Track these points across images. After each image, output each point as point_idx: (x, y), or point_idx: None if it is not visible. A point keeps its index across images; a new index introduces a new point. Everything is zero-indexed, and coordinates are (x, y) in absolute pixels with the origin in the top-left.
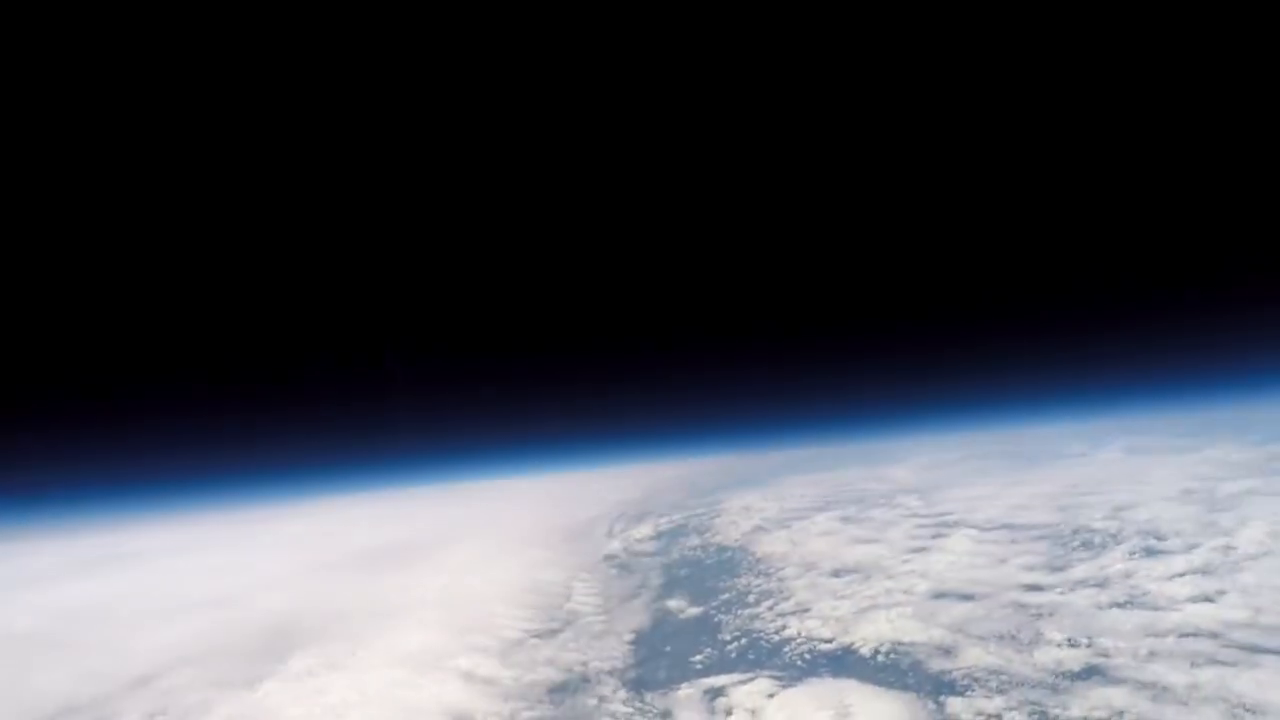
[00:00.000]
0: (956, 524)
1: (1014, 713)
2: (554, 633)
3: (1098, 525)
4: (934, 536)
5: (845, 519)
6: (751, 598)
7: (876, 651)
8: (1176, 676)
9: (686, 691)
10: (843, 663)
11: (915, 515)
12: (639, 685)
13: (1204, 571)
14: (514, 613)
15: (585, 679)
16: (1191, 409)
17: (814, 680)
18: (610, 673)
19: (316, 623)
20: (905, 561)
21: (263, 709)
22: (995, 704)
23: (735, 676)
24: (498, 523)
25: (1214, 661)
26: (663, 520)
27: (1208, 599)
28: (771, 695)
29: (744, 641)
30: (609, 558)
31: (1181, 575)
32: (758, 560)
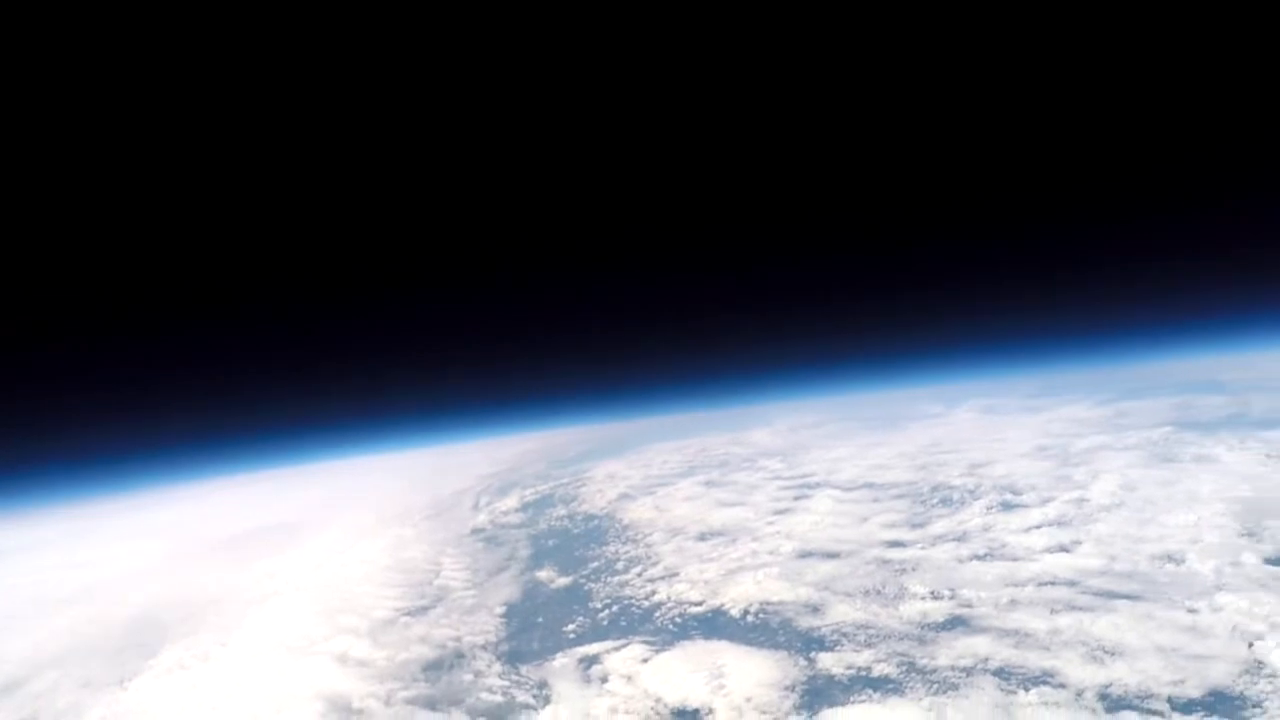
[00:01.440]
0: (819, 485)
1: (883, 664)
2: (425, 610)
3: (956, 482)
4: (797, 498)
5: (709, 483)
6: (620, 565)
7: (746, 612)
8: (1037, 623)
9: (561, 661)
10: (713, 624)
11: (778, 478)
12: (513, 658)
13: (1059, 523)
14: (384, 592)
15: (459, 654)
16: (1042, 371)
17: (686, 643)
18: (484, 647)
19: (186, 613)
20: (770, 523)
21: (136, 707)
22: (864, 657)
23: (608, 644)
24: (363, 502)
25: (1072, 608)
26: (528, 491)
27: (1064, 549)
28: (645, 660)
29: (615, 609)
30: (476, 531)
31: (1038, 527)
32: (625, 527)
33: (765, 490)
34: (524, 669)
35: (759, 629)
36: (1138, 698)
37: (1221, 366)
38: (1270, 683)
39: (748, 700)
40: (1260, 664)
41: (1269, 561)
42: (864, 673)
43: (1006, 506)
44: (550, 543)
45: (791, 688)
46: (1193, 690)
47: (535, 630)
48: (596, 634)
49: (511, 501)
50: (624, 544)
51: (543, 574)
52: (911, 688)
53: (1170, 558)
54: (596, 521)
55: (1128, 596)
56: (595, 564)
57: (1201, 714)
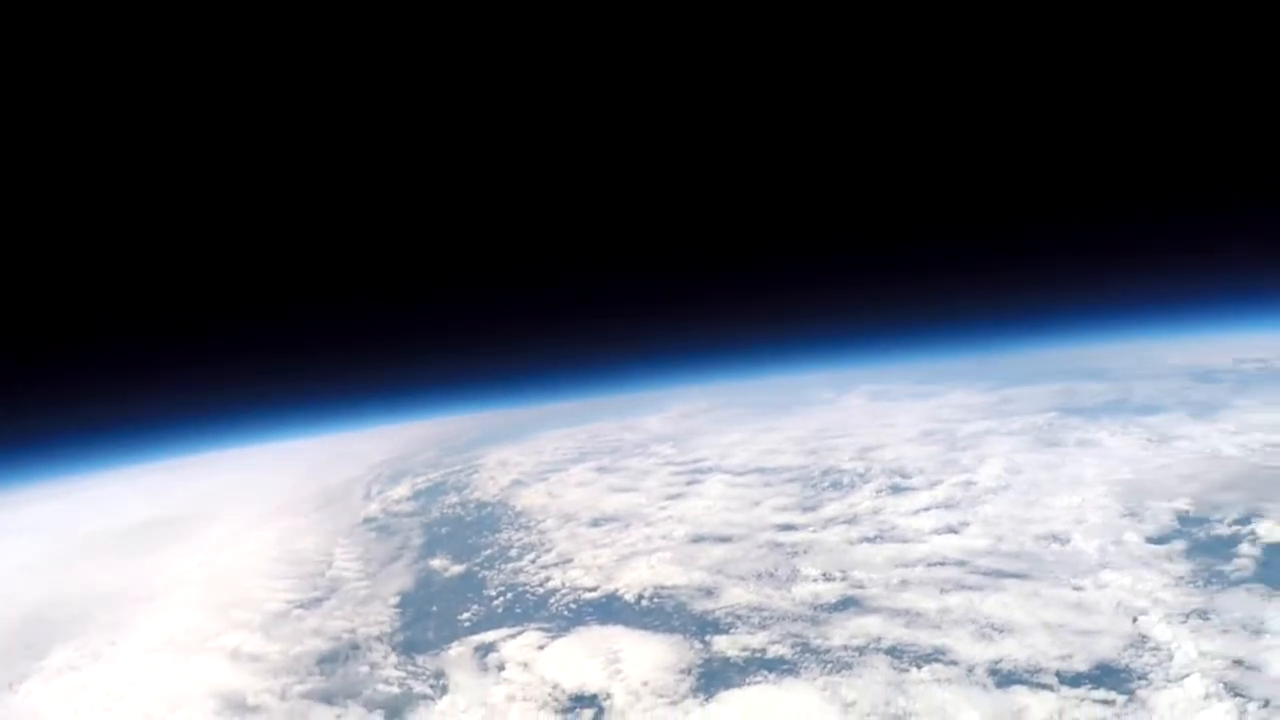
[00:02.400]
0: (710, 470)
1: (777, 646)
2: (318, 601)
3: (846, 466)
4: (689, 483)
5: (601, 469)
6: (514, 552)
7: (640, 597)
8: (928, 603)
9: (457, 650)
10: (608, 610)
11: (670, 463)
12: (409, 648)
13: (947, 505)
14: (276, 584)
15: (354, 646)
16: (930, 358)
17: (582, 629)
18: (379, 638)
19: (75, 612)
20: (663, 508)
21: (27, 710)
22: (759, 639)
23: (504, 631)
24: (253, 493)
25: (961, 587)
26: (420, 479)
27: (952, 530)
28: (542, 647)
29: (510, 596)
30: (368, 520)
31: (927, 510)
32: (518, 514)
33: (657, 476)
34: (420, 659)
35: (654, 613)
36: (1027, 672)
37: (1104, 355)
38: (1154, 655)
39: (645, 684)
40: (1144, 638)
41: (1150, 540)
42: (759, 654)
43: (896, 490)
44: (443, 531)
45: (688, 671)
46: (1080, 664)
47: (430, 619)
48: (492, 622)
49: (403, 490)
50: (517, 531)
51: (436, 562)
52: (806, 668)
53: (1055, 538)
54: (489, 508)
55: (1015, 575)
56: (489, 551)
57: (1089, 686)
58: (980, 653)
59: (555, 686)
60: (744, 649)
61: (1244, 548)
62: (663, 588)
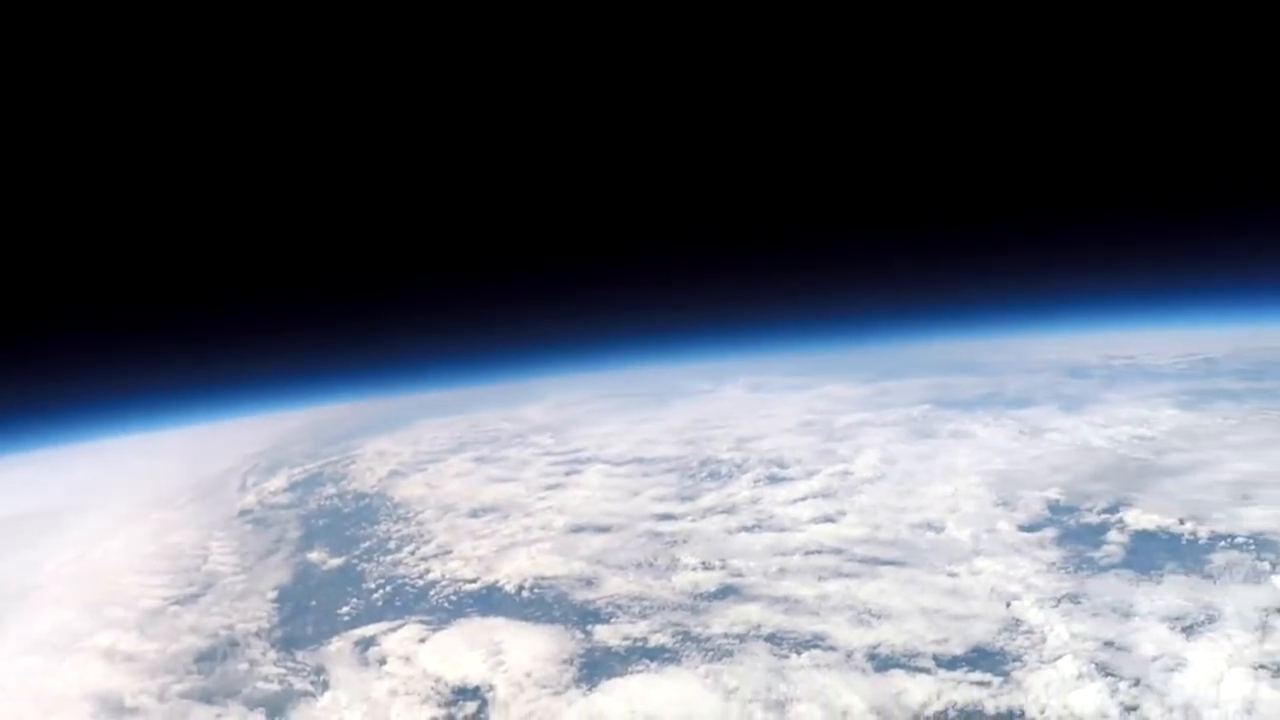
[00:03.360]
0: (589, 460)
1: (658, 635)
2: (195, 598)
3: (724, 456)
4: (568, 473)
5: (480, 459)
6: (393, 544)
7: (521, 588)
8: (806, 590)
9: (338, 645)
10: (489, 601)
11: (549, 453)
12: (288, 644)
13: (824, 495)
14: (150, 580)
15: (233, 643)
16: (808, 351)
17: (463, 621)
18: (258, 634)
19: None
20: (542, 498)
21: None
22: (640, 628)
23: (384, 625)
24: (125, 484)
25: (839, 574)
26: (296, 470)
27: (829, 519)
28: (423, 640)
29: (389, 589)
30: (244, 513)
31: (804, 499)
32: (396, 505)
33: (536, 466)
34: (300, 655)
35: (534, 604)
36: (905, 656)
37: (977, 350)
38: (1027, 638)
39: (527, 675)
40: (1018, 622)
41: (1022, 528)
42: (640, 643)
43: (773, 479)
44: (321, 523)
45: (570, 661)
46: (956, 648)
47: (309, 614)
48: (372, 615)
49: (279, 481)
50: (396, 522)
51: (314, 555)
52: (688, 656)
53: (930, 526)
54: (367, 500)
55: (891, 563)
56: (367, 543)
57: (965, 669)
58: (859, 638)
59: (438, 680)
60: (625, 638)
61: (1112, 535)
62: (543, 578)
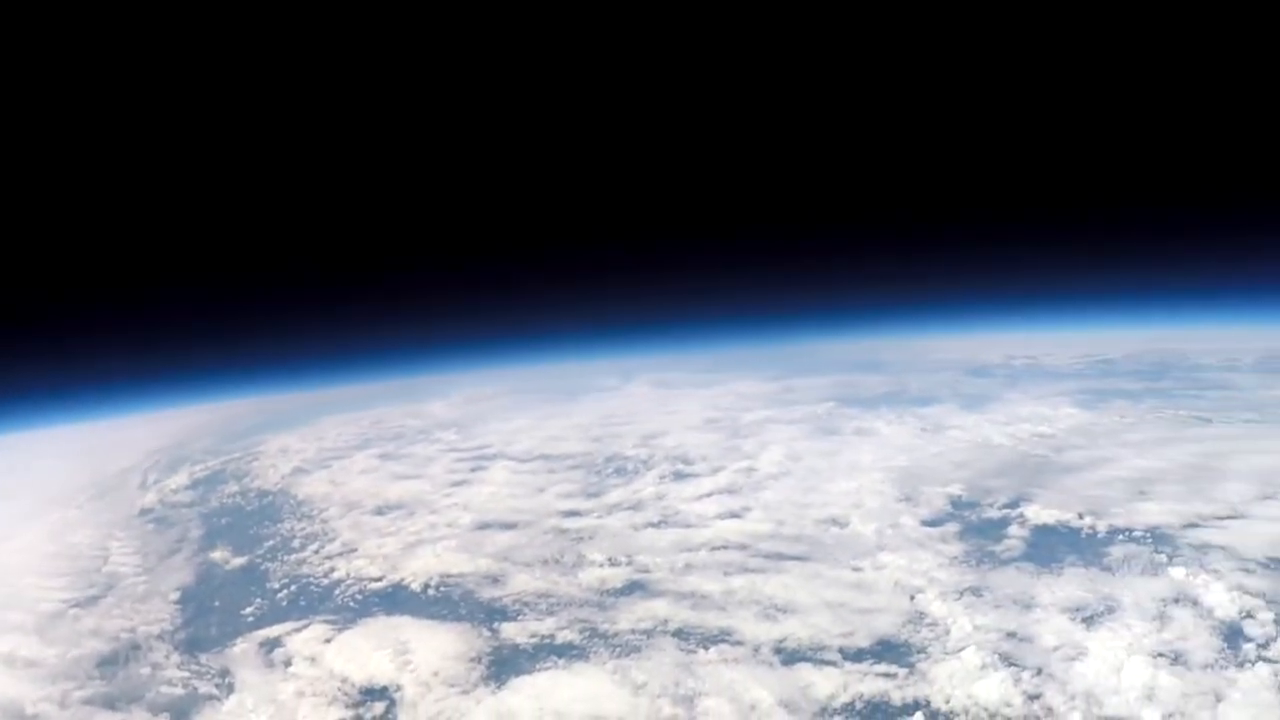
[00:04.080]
0: (495, 457)
1: (566, 631)
2: (95, 600)
3: (630, 453)
4: (474, 470)
5: (385, 456)
6: (297, 542)
7: (427, 586)
8: (712, 585)
9: (242, 646)
10: (395, 600)
11: (454, 449)
12: (192, 646)
13: (730, 491)
14: (49, 582)
15: (135, 646)
16: (714, 348)
17: (369, 620)
18: (160, 637)
19: None
20: (447, 495)
21: None
22: (547, 625)
23: (289, 625)
24: (20, 483)
25: (745, 570)
26: (198, 467)
27: (735, 515)
28: (329, 640)
29: (294, 588)
30: (145, 511)
31: (709, 495)
32: (300, 503)
33: (441, 462)
34: (204, 657)
35: (441, 602)
36: (811, 650)
37: (882, 348)
38: (931, 630)
39: (435, 674)
40: (922, 614)
41: (925, 523)
42: (548, 640)
43: (679, 476)
44: (223, 521)
45: (478, 659)
46: (862, 640)
47: (213, 615)
48: (276, 615)
49: (181, 479)
50: (300, 520)
51: (217, 555)
52: (595, 652)
53: (835, 521)
54: (270, 497)
55: (796, 558)
56: (271, 542)
57: (871, 661)
58: (765, 632)
59: (344, 680)
60: (533, 635)
61: (1013, 530)
62: (449, 576)
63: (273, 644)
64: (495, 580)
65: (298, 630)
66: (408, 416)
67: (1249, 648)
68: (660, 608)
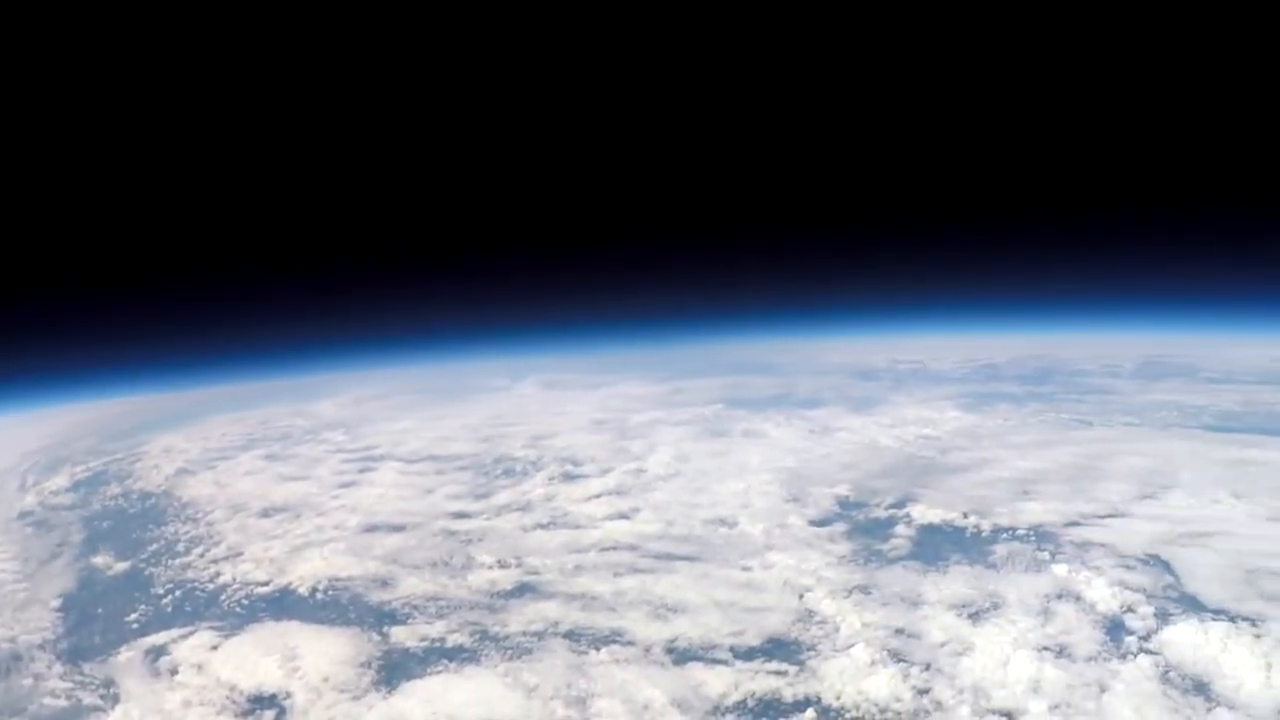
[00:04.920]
0: (383, 458)
1: (456, 634)
2: None
3: (519, 454)
4: (362, 471)
5: (271, 457)
6: (181, 546)
7: (315, 590)
8: (602, 586)
9: (127, 655)
10: (282, 604)
11: (342, 450)
12: (75, 655)
13: (619, 492)
14: None
15: (16, 657)
16: (603, 349)
17: (256, 626)
18: (41, 646)
19: None
20: (335, 497)
21: None
22: (437, 628)
23: (175, 632)
24: None
25: (635, 570)
26: (79, 468)
27: (624, 516)
28: (215, 647)
29: (179, 593)
30: (24, 514)
31: (599, 496)
32: (184, 505)
33: (329, 463)
34: (87, 667)
35: (329, 606)
36: (702, 649)
37: (770, 351)
38: (821, 628)
39: (325, 680)
40: (811, 613)
41: (812, 523)
42: (439, 643)
43: (568, 477)
44: (105, 524)
45: (368, 664)
46: (752, 639)
47: (96, 623)
48: (161, 622)
49: (61, 480)
50: (184, 523)
51: (99, 560)
52: (486, 655)
53: (723, 522)
54: (154, 499)
55: (686, 558)
56: (155, 546)
57: (762, 659)
58: (656, 632)
59: (233, 688)
60: (423, 639)
61: (899, 529)
62: (337, 579)
63: (158, 652)
64: (384, 583)
65: (184, 637)
66: (295, 416)
67: (1130, 640)
68: (551, 609)
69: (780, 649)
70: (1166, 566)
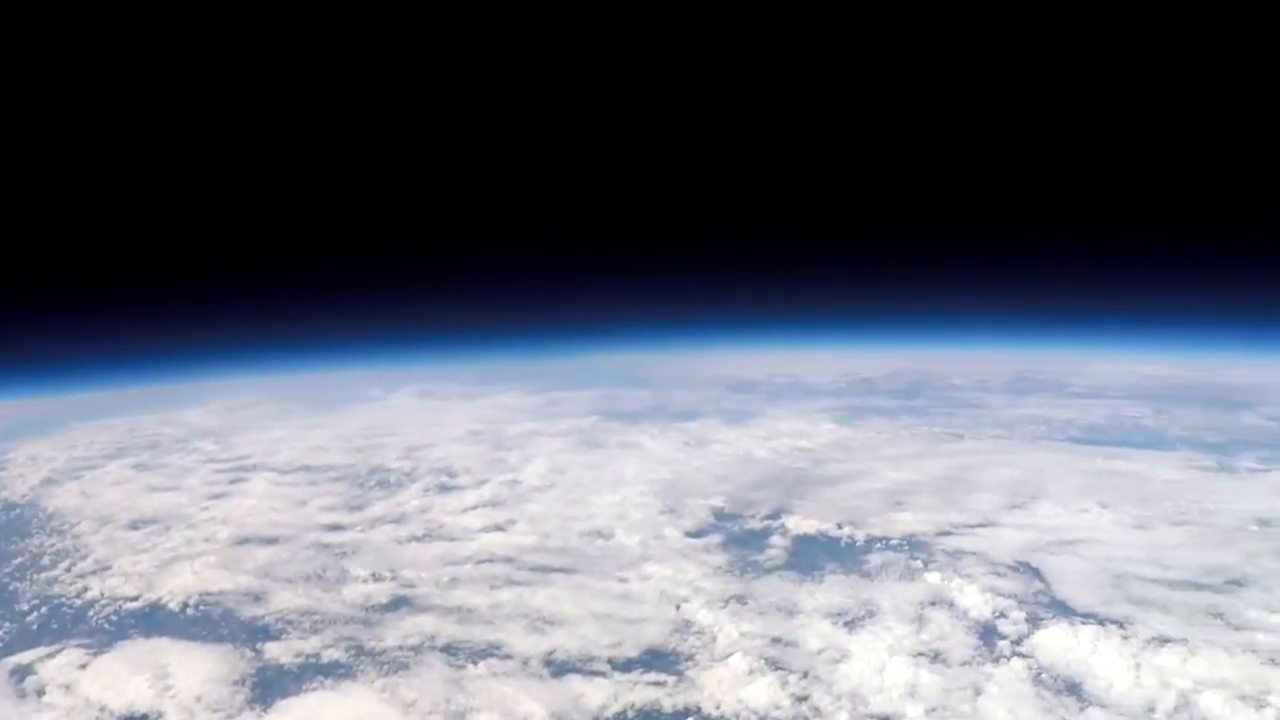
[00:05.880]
0: (255, 467)
1: (331, 650)
2: None
3: (393, 465)
4: (233, 481)
5: (139, 466)
6: (47, 559)
7: (186, 605)
8: (479, 599)
9: None
10: (153, 620)
11: (212, 460)
12: None
13: (495, 504)
14: None
15: None
16: (480, 360)
17: (126, 643)
18: None
19: None
20: (205, 508)
21: None
22: (312, 643)
23: (41, 650)
24: None
25: (511, 583)
26: None
27: (500, 528)
28: (84, 666)
29: (45, 610)
30: None
31: (474, 508)
32: (49, 517)
33: (199, 473)
34: None
35: (201, 622)
36: (581, 661)
37: (646, 363)
38: (699, 638)
39: (198, 699)
40: (688, 623)
41: (688, 535)
42: (314, 659)
43: (443, 488)
44: None
45: (242, 681)
46: (630, 650)
47: None
48: (26, 640)
49: None
50: (50, 535)
51: None
52: (363, 670)
53: (600, 533)
54: (18, 510)
55: (563, 570)
56: (19, 560)
57: (641, 670)
58: (534, 645)
59: (103, 709)
60: (298, 655)
61: (775, 540)
62: (209, 594)
63: (24, 671)
64: (257, 598)
65: (50, 656)
66: (164, 424)
67: (1003, 644)
68: (427, 623)
69: (659, 660)
70: (1036, 573)
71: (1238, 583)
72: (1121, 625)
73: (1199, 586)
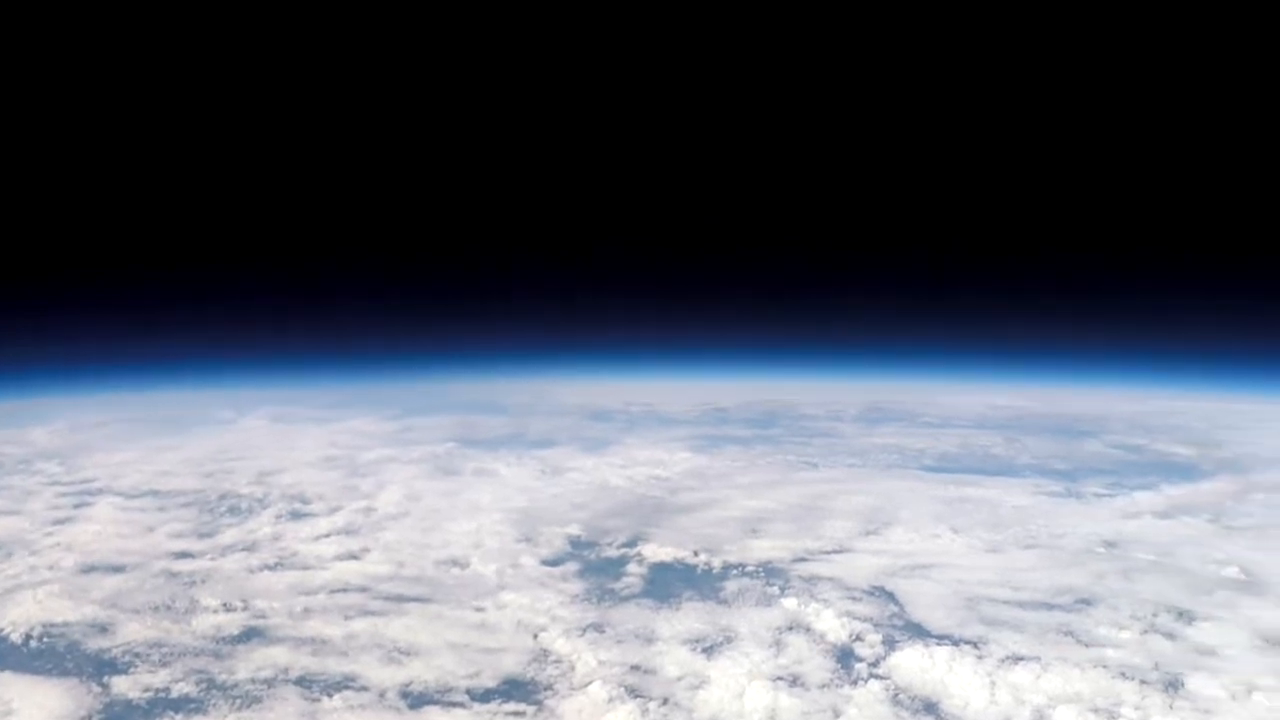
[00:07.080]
0: (101, 491)
1: (181, 683)
2: None
3: (244, 491)
4: (78, 505)
5: None
6: None
7: (29, 636)
8: (333, 629)
9: None
10: None
11: (56, 483)
12: None
13: (348, 531)
14: None
15: None
16: (333, 383)
17: None
18: None
19: None
20: (49, 534)
21: None
22: (161, 677)
23: None
24: None
25: (366, 613)
26: None
27: (354, 556)
28: None
29: None
30: None
31: (328, 536)
32: None
33: (43, 497)
34: None
35: (44, 654)
36: (438, 692)
37: (502, 391)
38: (557, 667)
39: None
40: (546, 652)
41: (545, 563)
42: (163, 694)
43: (296, 515)
44: None
45: (89, 718)
46: (489, 680)
47: None
48: None
49: None
50: None
51: None
52: (214, 705)
53: (456, 562)
54: None
55: (418, 599)
56: None
57: (499, 700)
58: (390, 676)
59: None
60: (146, 689)
61: (632, 567)
62: (52, 625)
63: None
64: (104, 629)
65: None
66: (4, 444)
67: (860, 667)
68: (280, 654)
69: (517, 689)
70: (891, 597)
71: (1087, 602)
72: (976, 645)
73: (1050, 606)
